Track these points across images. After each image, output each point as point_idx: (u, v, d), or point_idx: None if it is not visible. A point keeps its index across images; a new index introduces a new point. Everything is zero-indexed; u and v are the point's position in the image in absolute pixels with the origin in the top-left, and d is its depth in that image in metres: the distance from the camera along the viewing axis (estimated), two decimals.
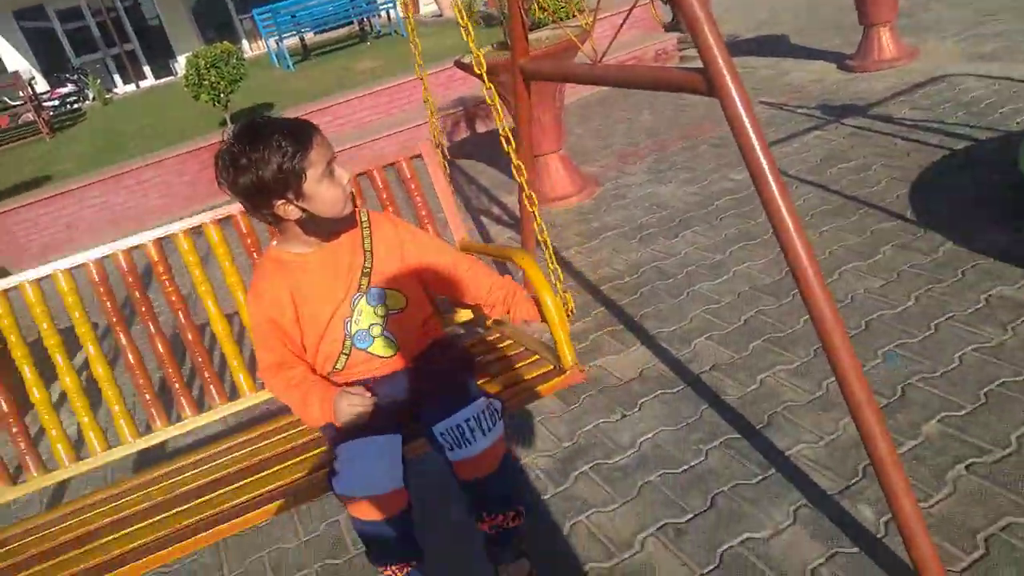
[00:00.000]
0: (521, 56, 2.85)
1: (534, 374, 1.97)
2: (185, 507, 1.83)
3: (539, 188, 4.75)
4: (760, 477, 2.08)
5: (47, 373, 2.14)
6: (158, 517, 1.82)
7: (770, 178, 1.55)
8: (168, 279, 2.22)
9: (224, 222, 2.25)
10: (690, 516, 2.00)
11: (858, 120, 4.66)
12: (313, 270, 1.74)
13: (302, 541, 2.32)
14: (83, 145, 10.15)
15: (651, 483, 2.16)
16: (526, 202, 2.12)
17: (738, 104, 1.59)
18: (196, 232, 2.22)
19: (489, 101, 2.23)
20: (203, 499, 1.84)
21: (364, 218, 1.83)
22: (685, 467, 2.19)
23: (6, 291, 2.06)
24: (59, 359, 2.12)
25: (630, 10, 2.63)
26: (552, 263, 2.06)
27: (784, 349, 2.62)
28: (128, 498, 1.97)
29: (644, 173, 4.85)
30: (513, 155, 2.17)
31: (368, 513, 1.62)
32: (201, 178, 7.25)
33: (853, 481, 1.97)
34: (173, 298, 2.23)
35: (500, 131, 2.17)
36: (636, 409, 2.52)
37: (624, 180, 4.83)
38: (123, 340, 2.18)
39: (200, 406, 2.24)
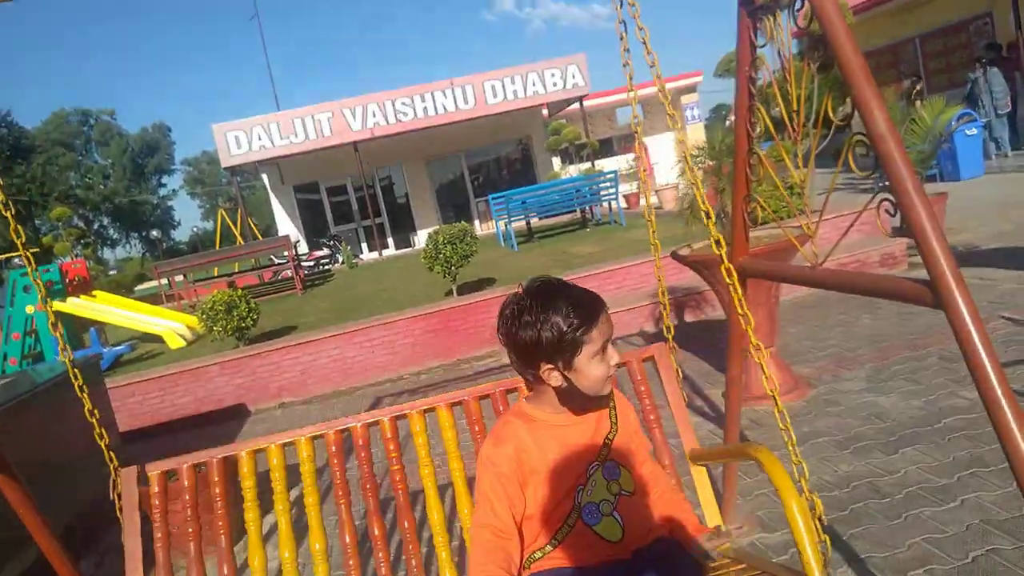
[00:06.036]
0: (740, 255, 2.86)
1: None
2: None
3: (746, 384, 4.63)
4: None
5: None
6: None
7: (1004, 403, 1.45)
8: (396, 456, 2.27)
9: (457, 407, 2.29)
10: None
11: None
12: (560, 433, 1.67)
13: None
14: (327, 302, 11.40)
15: None
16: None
17: (967, 319, 1.52)
18: (429, 411, 2.28)
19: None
20: None
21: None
22: None
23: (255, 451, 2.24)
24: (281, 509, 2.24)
25: (857, 216, 2.58)
26: (796, 458, 1.96)
27: None
28: None
29: (862, 380, 4.59)
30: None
31: None
32: (421, 341, 7.85)
33: None
34: (397, 478, 2.26)
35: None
36: None
37: (839, 385, 4.59)
38: (344, 515, 2.23)
39: None
